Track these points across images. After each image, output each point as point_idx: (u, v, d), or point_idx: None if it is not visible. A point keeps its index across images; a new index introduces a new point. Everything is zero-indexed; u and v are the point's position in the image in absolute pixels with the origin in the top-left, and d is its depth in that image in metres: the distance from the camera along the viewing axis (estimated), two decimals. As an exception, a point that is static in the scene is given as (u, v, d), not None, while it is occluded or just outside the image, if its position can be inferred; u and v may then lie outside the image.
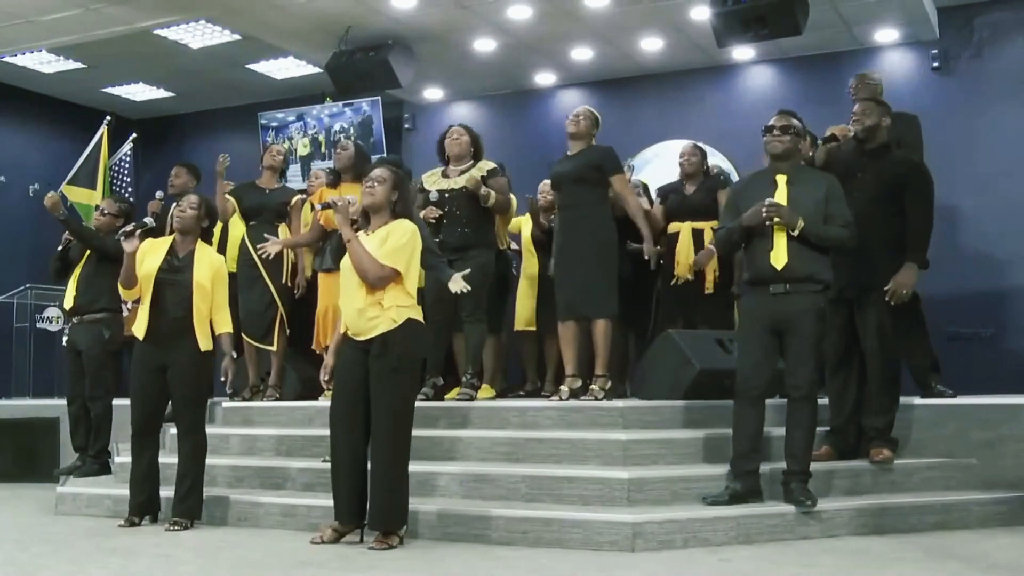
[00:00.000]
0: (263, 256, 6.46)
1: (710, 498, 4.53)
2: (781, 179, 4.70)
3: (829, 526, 4.49)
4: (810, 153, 5.27)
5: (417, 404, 5.73)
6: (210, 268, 5.14)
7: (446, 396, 6.03)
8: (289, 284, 6.65)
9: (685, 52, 8.98)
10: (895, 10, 8.03)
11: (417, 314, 4.49)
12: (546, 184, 6.67)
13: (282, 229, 6.72)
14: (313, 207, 6.36)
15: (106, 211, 6.58)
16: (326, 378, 4.69)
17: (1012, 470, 4.98)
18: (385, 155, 8.97)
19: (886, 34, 8.49)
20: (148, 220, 5.33)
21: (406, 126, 10.46)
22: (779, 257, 4.55)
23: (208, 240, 5.37)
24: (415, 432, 5.42)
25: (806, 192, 4.66)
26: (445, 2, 8.00)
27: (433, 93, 10.19)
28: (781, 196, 4.64)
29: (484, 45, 8.87)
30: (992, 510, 4.79)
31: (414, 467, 5.01)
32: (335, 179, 6.47)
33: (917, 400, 5.43)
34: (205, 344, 5.06)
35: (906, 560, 4.01)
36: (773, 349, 4.64)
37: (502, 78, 9.69)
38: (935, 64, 8.36)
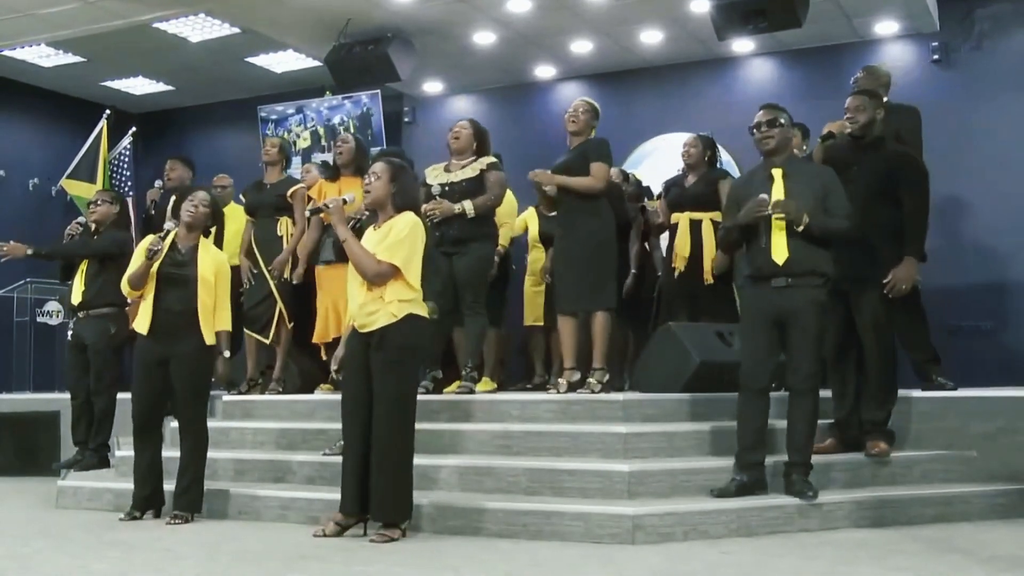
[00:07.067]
0: (280, 280, 6.47)
1: (717, 490, 4.54)
2: (777, 173, 4.69)
3: (829, 519, 4.49)
4: (803, 147, 5.22)
5: (418, 397, 5.77)
6: (214, 263, 5.18)
7: (445, 389, 6.03)
8: (288, 277, 6.54)
9: (685, 45, 8.95)
10: (895, 2, 8.00)
11: (419, 308, 4.49)
12: None
13: (281, 222, 6.66)
14: (310, 200, 6.34)
15: (101, 201, 6.45)
16: (335, 367, 4.74)
17: (1012, 462, 4.99)
18: (385, 147, 8.94)
19: (886, 26, 8.47)
20: (169, 225, 5.31)
21: (406, 119, 10.43)
22: (780, 252, 4.56)
23: (207, 236, 5.38)
24: (416, 425, 5.44)
25: (803, 185, 4.65)
26: (444, -5, 7.99)
27: (433, 86, 10.17)
28: (778, 190, 4.62)
29: (484, 38, 8.85)
30: (992, 502, 4.79)
31: (415, 460, 5.02)
32: (334, 174, 6.44)
33: (917, 393, 5.43)
34: (210, 338, 5.09)
35: (906, 552, 4.01)
36: (775, 342, 4.65)
37: (502, 71, 9.66)
38: (935, 56, 8.34)
